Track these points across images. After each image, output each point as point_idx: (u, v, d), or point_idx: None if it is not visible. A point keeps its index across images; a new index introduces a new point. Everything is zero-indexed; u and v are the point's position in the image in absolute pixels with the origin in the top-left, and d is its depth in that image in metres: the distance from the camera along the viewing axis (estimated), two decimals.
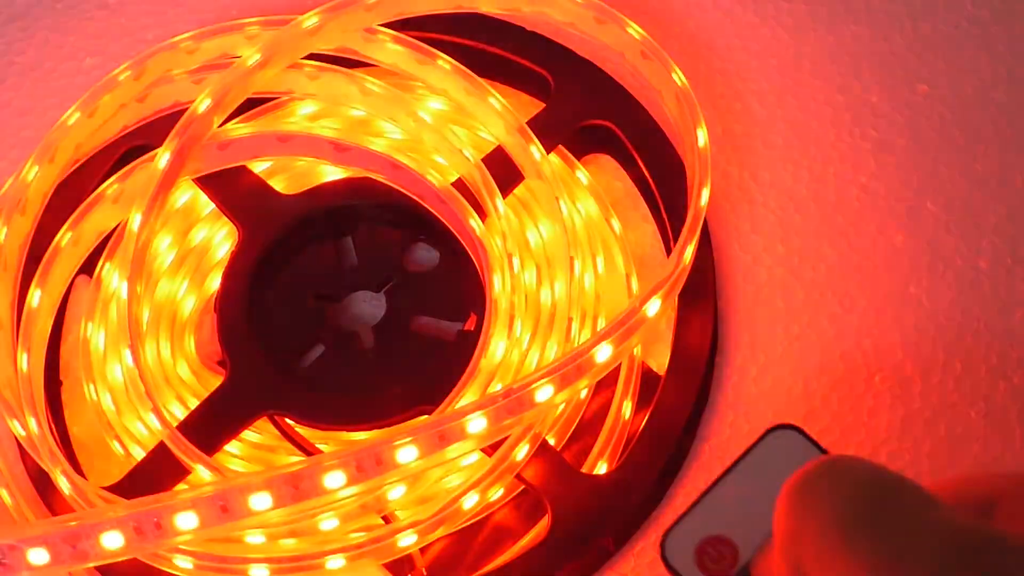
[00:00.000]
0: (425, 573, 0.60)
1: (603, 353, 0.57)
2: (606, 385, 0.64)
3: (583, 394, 0.63)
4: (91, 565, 0.56)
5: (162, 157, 0.64)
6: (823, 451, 0.42)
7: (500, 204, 0.64)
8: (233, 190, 0.68)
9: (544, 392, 0.56)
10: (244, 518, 0.53)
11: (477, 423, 0.55)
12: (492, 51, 0.71)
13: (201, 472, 0.59)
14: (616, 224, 0.67)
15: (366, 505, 0.59)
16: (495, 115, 0.66)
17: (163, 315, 0.67)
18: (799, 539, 0.38)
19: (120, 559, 0.53)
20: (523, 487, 0.62)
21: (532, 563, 0.59)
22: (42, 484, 0.63)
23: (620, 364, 0.63)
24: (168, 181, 0.64)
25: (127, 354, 0.61)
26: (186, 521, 0.52)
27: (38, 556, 0.51)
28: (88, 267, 0.68)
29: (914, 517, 0.36)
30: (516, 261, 0.63)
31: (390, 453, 0.54)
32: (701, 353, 0.64)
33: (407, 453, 0.54)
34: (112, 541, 0.52)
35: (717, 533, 0.41)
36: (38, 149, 0.65)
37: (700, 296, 0.65)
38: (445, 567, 0.61)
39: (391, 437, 0.54)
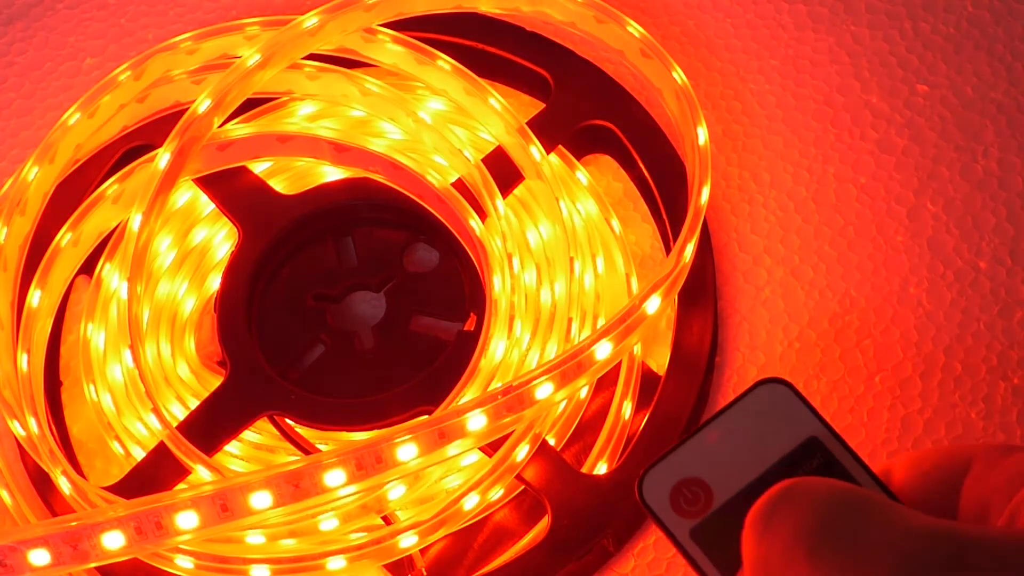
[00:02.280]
0: (425, 573, 0.60)
1: (603, 350, 0.57)
2: (606, 385, 0.64)
3: (583, 394, 0.63)
4: (92, 566, 0.56)
5: (162, 157, 0.64)
6: (810, 407, 0.42)
7: (500, 204, 0.64)
8: (233, 190, 0.68)
9: (544, 390, 0.56)
10: (244, 517, 0.53)
11: (477, 420, 0.55)
12: (492, 51, 0.71)
13: (201, 472, 0.59)
14: (616, 224, 0.67)
15: (366, 505, 0.59)
16: (495, 115, 0.66)
17: (163, 315, 0.67)
18: (766, 567, 0.38)
19: (121, 559, 0.53)
20: (523, 487, 0.62)
21: (532, 563, 0.59)
22: (42, 484, 0.63)
23: (620, 364, 0.63)
24: (168, 181, 0.64)
25: (127, 354, 0.62)
26: (187, 520, 0.53)
27: (39, 557, 0.52)
28: (88, 267, 0.68)
29: (874, 529, 0.36)
30: (516, 261, 0.63)
31: (390, 451, 0.54)
32: (701, 353, 0.64)
33: (407, 451, 0.54)
34: (113, 541, 0.52)
35: (694, 476, 0.42)
36: (38, 149, 0.65)
37: (700, 296, 0.65)
38: (445, 567, 0.61)
39: (391, 435, 0.54)
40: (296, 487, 0.53)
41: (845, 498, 0.38)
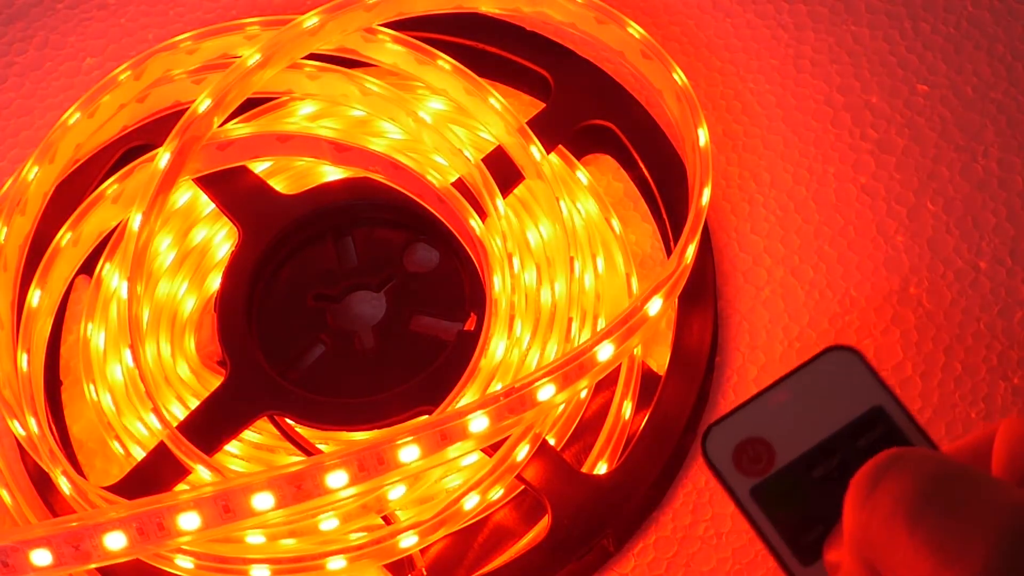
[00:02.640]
0: (425, 573, 0.60)
1: (605, 352, 0.57)
2: (606, 385, 0.64)
3: (583, 394, 0.63)
4: (93, 567, 0.56)
5: (162, 157, 0.64)
6: (877, 377, 0.43)
7: (500, 204, 0.64)
8: (233, 190, 0.68)
9: (546, 391, 0.56)
10: (246, 518, 0.53)
11: (479, 422, 0.55)
12: (492, 51, 0.71)
13: (201, 472, 0.59)
14: (616, 224, 0.67)
15: (366, 505, 0.59)
16: (495, 115, 0.66)
17: (163, 315, 0.67)
18: (866, 531, 0.39)
19: (122, 560, 0.53)
20: (523, 487, 0.62)
21: (532, 563, 0.59)
22: (42, 484, 0.63)
23: (620, 364, 0.63)
24: (168, 181, 0.64)
25: (127, 354, 0.62)
26: (188, 521, 0.53)
27: (41, 557, 0.52)
28: (88, 267, 0.68)
29: (974, 501, 0.37)
30: (516, 261, 0.63)
31: (392, 452, 0.54)
32: (701, 353, 0.64)
33: (409, 452, 0.54)
34: (115, 542, 0.52)
35: (758, 435, 0.43)
36: (38, 149, 0.65)
37: (700, 296, 0.65)
38: (445, 567, 0.61)
39: (393, 436, 0.54)
40: (298, 488, 0.53)
41: (949, 470, 0.39)
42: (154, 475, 0.61)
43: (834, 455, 0.42)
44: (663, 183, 0.67)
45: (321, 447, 0.62)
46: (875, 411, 0.43)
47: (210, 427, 0.62)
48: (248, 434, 0.63)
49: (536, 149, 0.65)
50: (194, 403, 0.63)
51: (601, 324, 0.64)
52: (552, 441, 0.62)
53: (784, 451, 0.43)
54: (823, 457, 0.42)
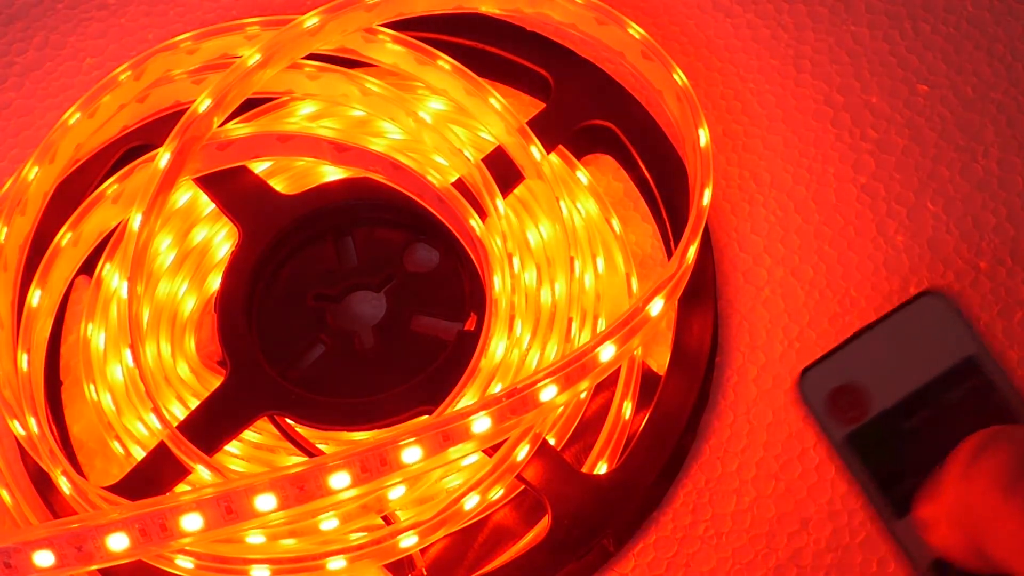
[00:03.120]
0: (425, 573, 0.60)
1: (606, 353, 0.57)
2: (606, 385, 0.64)
3: (583, 394, 0.63)
4: (95, 568, 0.56)
5: (162, 157, 0.64)
6: (969, 325, 0.43)
7: (500, 204, 0.64)
8: (233, 190, 0.68)
9: (547, 392, 0.56)
10: (249, 519, 0.53)
11: (481, 423, 0.55)
12: (492, 51, 0.71)
13: (201, 472, 0.59)
14: (616, 224, 0.67)
15: (367, 505, 0.59)
16: (495, 115, 0.66)
17: (163, 315, 0.67)
18: (965, 502, 0.40)
19: (125, 561, 0.53)
20: (523, 487, 0.62)
21: (532, 563, 0.60)
22: (42, 484, 0.63)
23: (620, 364, 0.63)
24: (168, 181, 0.64)
25: (127, 354, 0.62)
26: (191, 523, 0.53)
27: (43, 558, 0.52)
28: (88, 267, 0.67)
29: None
30: (516, 261, 0.63)
31: (394, 453, 0.54)
32: (701, 353, 0.64)
33: (411, 453, 0.55)
34: (117, 543, 0.52)
35: (853, 382, 0.43)
36: (38, 149, 0.65)
37: (700, 296, 0.65)
38: (445, 567, 0.61)
39: (395, 437, 0.54)
40: (301, 489, 0.53)
41: None
42: (154, 475, 0.61)
43: (927, 405, 0.42)
44: (663, 183, 0.67)
45: (321, 447, 0.62)
46: (968, 361, 0.43)
47: (210, 427, 0.62)
48: (248, 434, 0.63)
49: (536, 149, 0.65)
50: (194, 403, 0.63)
51: (601, 324, 0.64)
52: (552, 441, 0.62)
53: (878, 399, 0.43)
54: (916, 407, 0.43)
